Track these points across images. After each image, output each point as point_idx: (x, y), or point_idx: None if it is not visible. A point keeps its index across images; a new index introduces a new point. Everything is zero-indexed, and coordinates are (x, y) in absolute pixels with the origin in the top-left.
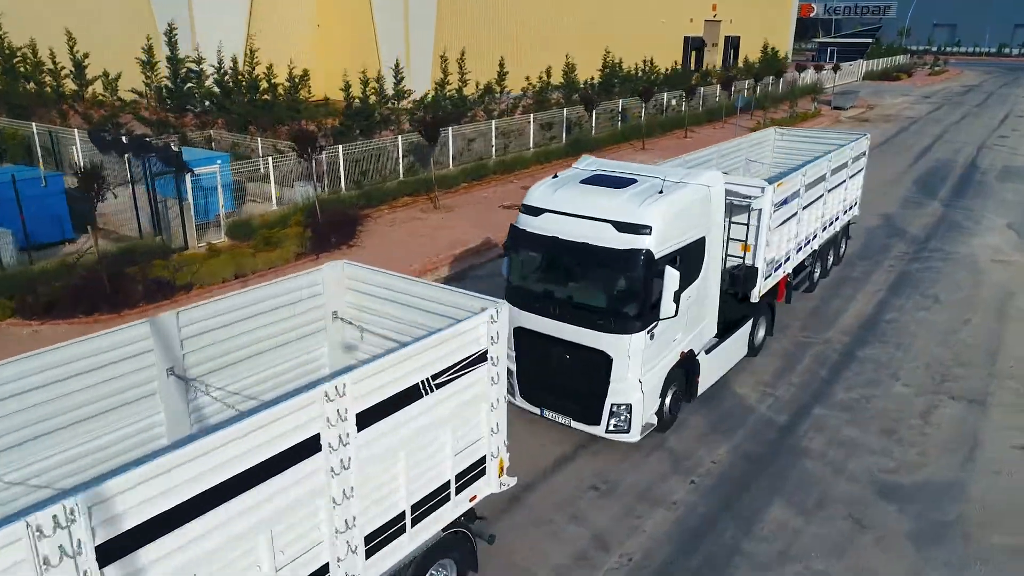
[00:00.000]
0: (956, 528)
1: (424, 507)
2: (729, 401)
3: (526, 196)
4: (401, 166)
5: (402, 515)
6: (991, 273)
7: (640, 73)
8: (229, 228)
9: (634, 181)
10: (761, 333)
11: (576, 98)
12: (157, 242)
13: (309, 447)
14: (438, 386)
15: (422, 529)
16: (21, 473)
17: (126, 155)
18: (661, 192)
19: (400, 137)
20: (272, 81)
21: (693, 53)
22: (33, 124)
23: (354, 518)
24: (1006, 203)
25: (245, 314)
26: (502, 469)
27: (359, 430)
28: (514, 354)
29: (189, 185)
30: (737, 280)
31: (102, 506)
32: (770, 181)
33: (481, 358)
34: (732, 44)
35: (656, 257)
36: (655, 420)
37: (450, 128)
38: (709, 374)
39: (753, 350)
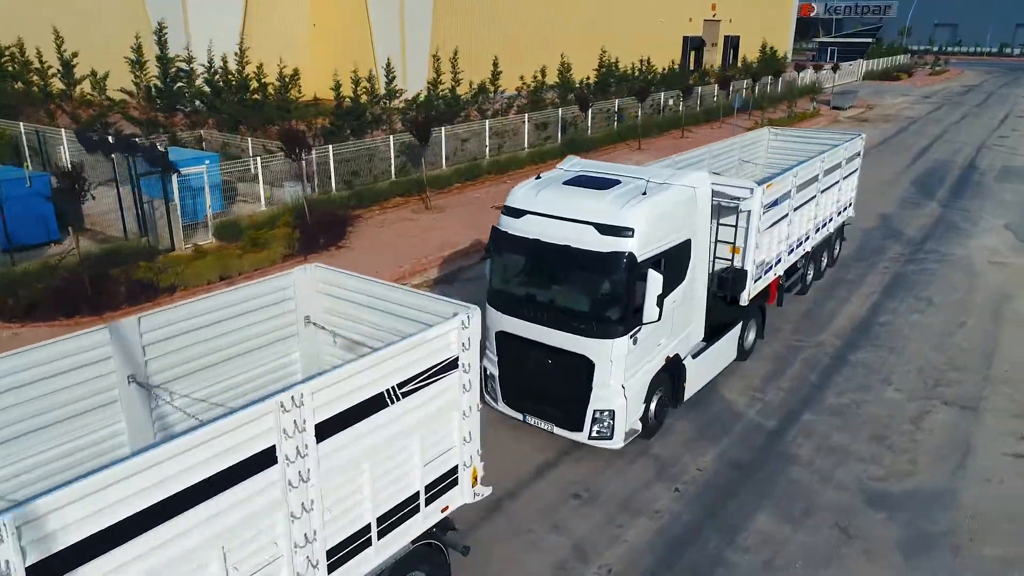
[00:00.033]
0: (946, 538)
1: (391, 519)
2: (717, 406)
3: (508, 197)
4: (393, 166)
5: (367, 528)
6: (987, 275)
7: (637, 73)
8: (217, 229)
9: (618, 182)
10: (751, 336)
11: (571, 98)
12: (143, 243)
13: (264, 459)
14: (405, 395)
15: (390, 542)
16: None
17: (112, 155)
18: (644, 194)
19: (392, 137)
20: (262, 80)
21: (692, 53)
22: (21, 124)
23: (315, 532)
24: (1004, 204)
25: (211, 319)
26: (476, 479)
27: (319, 441)
28: (496, 359)
29: (176, 185)
30: (726, 283)
31: (33, 525)
32: (760, 182)
33: (452, 365)
34: (732, 44)
35: (639, 260)
36: (639, 426)
37: (443, 128)
38: (696, 379)
39: (743, 354)
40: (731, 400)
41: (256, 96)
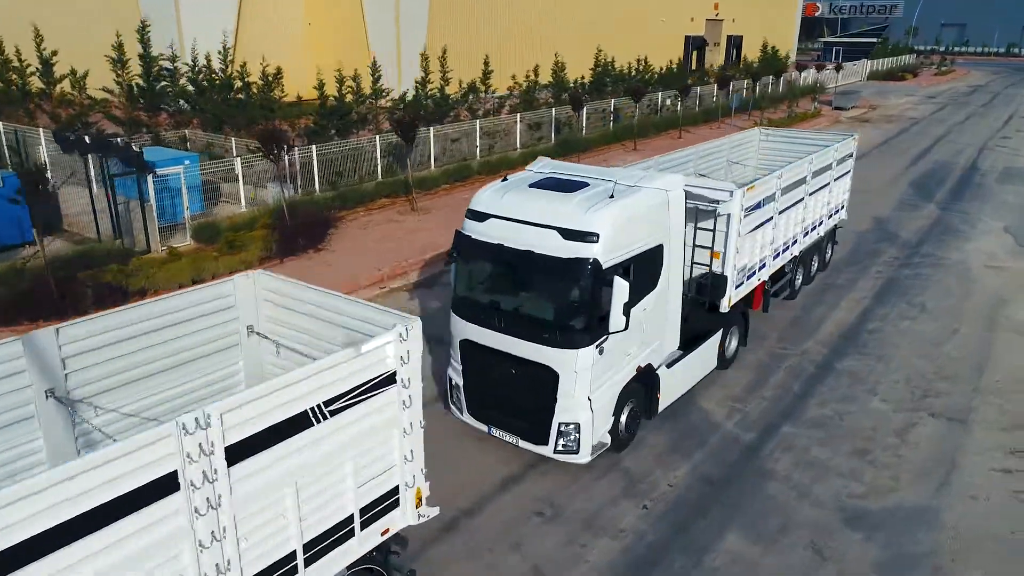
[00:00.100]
0: (927, 559)
1: (321, 544)
2: (694, 417)
3: (472, 200)
4: (379, 167)
5: (293, 555)
6: (983, 280)
7: (634, 72)
8: (195, 231)
9: (585, 185)
10: (733, 344)
11: (565, 98)
12: (116, 245)
13: (163, 486)
14: (333, 413)
15: (321, 568)
16: None
17: (87, 155)
18: (612, 197)
19: (378, 137)
20: (246, 79)
21: (694, 53)
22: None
23: (228, 561)
24: (1005, 205)
25: (141, 329)
26: (420, 499)
27: (231, 465)
28: (461, 368)
29: (151, 186)
30: (705, 289)
31: None
32: (742, 185)
33: (389, 380)
34: (734, 44)
35: (604, 266)
36: (609, 439)
37: (431, 128)
38: (671, 390)
39: (724, 362)
40: (709, 411)
41: (240, 95)
